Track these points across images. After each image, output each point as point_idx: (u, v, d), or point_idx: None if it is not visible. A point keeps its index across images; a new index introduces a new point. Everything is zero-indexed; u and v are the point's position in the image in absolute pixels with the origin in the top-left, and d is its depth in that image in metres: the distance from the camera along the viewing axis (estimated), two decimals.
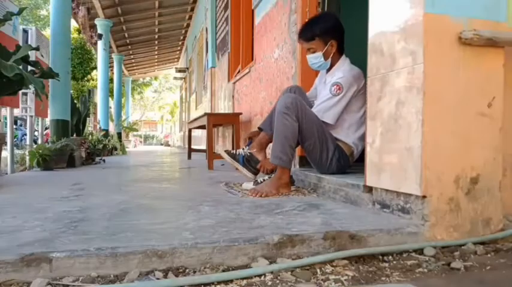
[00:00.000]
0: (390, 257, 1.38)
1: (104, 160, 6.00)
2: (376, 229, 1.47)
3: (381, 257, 1.37)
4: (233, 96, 5.94)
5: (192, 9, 11.69)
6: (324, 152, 2.49)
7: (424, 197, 1.51)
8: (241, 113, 4.81)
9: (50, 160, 4.30)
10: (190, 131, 6.76)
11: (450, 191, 1.54)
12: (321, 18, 2.61)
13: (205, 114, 4.77)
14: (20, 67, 3.06)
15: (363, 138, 2.45)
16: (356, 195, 1.96)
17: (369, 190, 1.86)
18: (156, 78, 29.70)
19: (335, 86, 2.48)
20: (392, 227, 1.49)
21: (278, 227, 1.49)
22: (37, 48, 3.78)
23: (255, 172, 2.78)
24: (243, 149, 2.81)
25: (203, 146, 7.19)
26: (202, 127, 5.39)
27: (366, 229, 1.46)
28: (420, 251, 1.42)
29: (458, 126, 1.56)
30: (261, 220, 1.63)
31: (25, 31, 5.15)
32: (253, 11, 4.67)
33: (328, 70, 2.66)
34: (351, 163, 2.59)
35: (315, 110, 2.51)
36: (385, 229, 1.47)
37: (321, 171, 2.55)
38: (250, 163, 2.77)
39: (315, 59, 2.60)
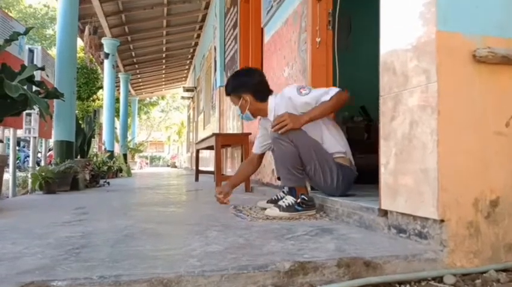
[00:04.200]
0: (408, 285, 1.30)
1: (108, 183, 5.94)
2: (392, 255, 1.39)
3: (397, 285, 1.30)
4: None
5: (201, 28, 11.77)
6: (327, 174, 2.46)
7: (442, 221, 1.44)
8: (250, 133, 4.75)
9: (52, 183, 4.24)
10: (198, 152, 6.73)
11: (469, 215, 1.47)
12: (234, 76, 2.85)
13: (214, 134, 4.73)
14: (25, 87, 3.04)
15: (346, 142, 2.61)
16: (371, 219, 1.88)
17: (384, 213, 1.78)
18: (163, 97, 29.84)
19: (301, 90, 2.51)
20: (409, 253, 1.42)
21: (289, 253, 1.42)
22: (42, 68, 3.78)
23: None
24: (283, 192, 2.66)
25: (211, 168, 7.14)
26: (210, 148, 5.35)
27: (381, 255, 1.39)
28: (439, 279, 1.35)
29: (475, 147, 1.50)
30: (272, 245, 1.56)
31: (31, 50, 5.14)
32: (262, 29, 4.66)
33: (264, 114, 2.77)
34: (355, 174, 2.57)
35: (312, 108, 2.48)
36: (402, 255, 1.40)
37: (330, 194, 2.50)
38: (308, 204, 2.44)
39: (238, 111, 2.85)
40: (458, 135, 1.49)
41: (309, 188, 2.65)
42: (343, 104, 2.46)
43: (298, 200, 2.39)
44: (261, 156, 2.97)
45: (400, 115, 1.66)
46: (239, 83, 2.77)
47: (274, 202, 2.53)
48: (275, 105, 2.66)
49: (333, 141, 2.56)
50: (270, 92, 2.76)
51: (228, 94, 2.85)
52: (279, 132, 2.39)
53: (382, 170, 1.77)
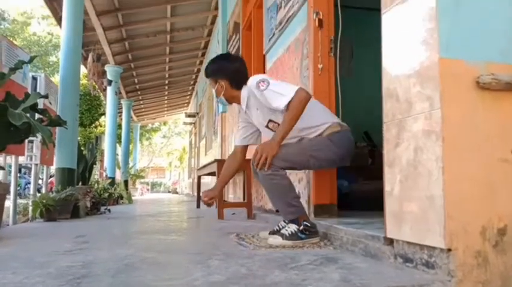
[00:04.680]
0: None
1: (109, 210, 5.89)
2: (399, 286, 1.36)
3: None
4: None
5: (203, 55, 11.90)
6: (325, 156, 2.51)
7: (449, 250, 1.41)
8: None
9: (53, 211, 4.20)
10: (199, 178, 6.69)
11: (477, 244, 1.44)
12: (214, 59, 2.85)
13: (215, 160, 4.71)
14: (28, 115, 3.05)
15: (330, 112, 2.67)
16: (376, 248, 1.84)
17: (390, 242, 1.75)
18: (165, 123, 29.97)
19: (260, 84, 2.48)
20: (416, 283, 1.38)
21: (293, 284, 1.39)
22: (46, 96, 3.80)
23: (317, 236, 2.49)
24: (284, 221, 2.56)
25: None
26: (212, 174, 5.32)
27: (388, 285, 1.36)
28: None
29: (481, 174, 1.49)
30: (275, 276, 1.52)
31: (34, 78, 5.17)
32: (264, 55, 4.71)
33: (238, 102, 2.78)
34: (348, 130, 2.62)
35: (273, 106, 2.45)
36: (409, 286, 1.36)
37: (340, 167, 2.70)
38: (311, 230, 2.39)
39: (213, 93, 2.87)
40: (464, 162, 1.47)
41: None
42: (305, 104, 2.40)
43: (301, 227, 2.35)
44: (245, 149, 2.90)
45: (404, 142, 1.65)
46: (217, 67, 2.76)
47: (277, 233, 2.49)
48: (246, 94, 2.66)
49: (316, 113, 2.56)
50: (247, 80, 2.71)
51: (206, 76, 2.85)
52: (265, 168, 2.36)
53: (387, 197, 1.75)
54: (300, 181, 3.19)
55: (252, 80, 2.57)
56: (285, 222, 2.51)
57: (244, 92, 2.70)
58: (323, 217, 2.85)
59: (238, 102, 2.76)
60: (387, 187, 1.75)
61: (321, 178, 2.95)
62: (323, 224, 2.49)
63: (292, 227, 2.36)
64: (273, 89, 2.44)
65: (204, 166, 5.90)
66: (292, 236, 2.32)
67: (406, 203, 1.62)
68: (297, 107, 2.36)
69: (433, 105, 1.50)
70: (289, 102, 2.36)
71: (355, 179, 3.84)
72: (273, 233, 2.51)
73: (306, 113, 2.43)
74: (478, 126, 1.51)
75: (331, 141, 2.50)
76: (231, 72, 2.72)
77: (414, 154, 1.58)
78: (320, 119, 2.56)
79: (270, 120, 2.59)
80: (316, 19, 3.09)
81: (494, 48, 1.56)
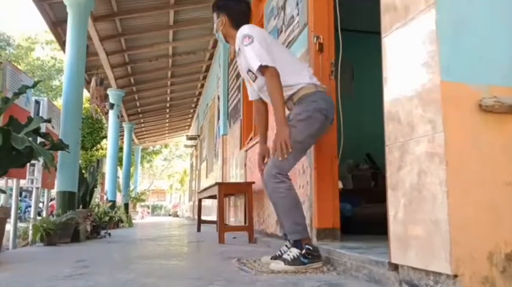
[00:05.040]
0: None
1: (109, 234, 5.83)
2: None
3: None
4: (245, 165, 5.88)
5: (204, 78, 11.98)
6: (313, 123, 2.48)
7: (455, 276, 1.38)
8: (253, 182, 4.70)
9: (53, 235, 4.16)
10: (200, 201, 6.65)
11: (484, 270, 1.41)
12: None
13: (216, 184, 4.69)
14: (30, 139, 3.06)
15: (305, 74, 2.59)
16: (381, 273, 1.81)
17: (395, 267, 1.72)
18: (166, 146, 30.00)
19: (244, 39, 2.53)
20: None
21: None
22: (49, 121, 3.81)
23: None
24: (286, 246, 2.52)
25: (214, 217, 7.04)
26: (213, 197, 5.28)
27: None
28: None
29: (486, 198, 1.47)
30: None
31: (37, 102, 5.19)
32: None
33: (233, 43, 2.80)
34: (324, 89, 2.60)
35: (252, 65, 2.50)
36: None
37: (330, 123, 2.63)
38: (313, 254, 2.35)
39: (214, 27, 2.92)
40: (468, 186, 1.46)
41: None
42: (277, 80, 2.44)
43: (303, 251, 2.31)
44: (260, 100, 2.89)
45: (407, 165, 1.64)
46: (224, 3, 2.83)
47: (279, 258, 2.45)
48: (239, 33, 2.66)
49: (291, 72, 2.55)
50: (244, 22, 2.75)
51: (212, 10, 2.88)
52: (285, 153, 2.36)
53: (391, 221, 1.73)
54: (302, 204, 3.16)
55: (242, 30, 2.61)
56: (287, 247, 2.48)
57: (238, 33, 2.71)
58: (326, 241, 2.82)
59: (233, 44, 2.79)
60: (391, 211, 1.73)
61: (324, 201, 2.93)
62: (326, 249, 2.45)
63: (294, 252, 2.32)
64: (253, 49, 2.49)
65: (205, 189, 5.87)
66: (295, 261, 2.27)
67: (411, 228, 1.60)
68: (272, 91, 2.44)
69: (435, 129, 1.50)
70: (262, 67, 2.43)
71: (358, 202, 3.81)
72: (275, 258, 2.47)
73: (282, 71, 2.48)
74: (482, 149, 1.50)
75: (311, 107, 2.48)
76: (235, 11, 2.79)
77: (418, 177, 1.57)
78: (293, 79, 2.55)
79: (249, 70, 2.63)
80: (317, 43, 3.12)
81: (496, 71, 1.57)
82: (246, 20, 2.78)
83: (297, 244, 2.38)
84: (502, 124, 1.53)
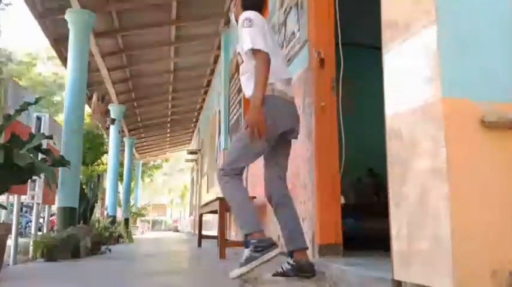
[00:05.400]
0: None
1: (109, 250, 5.79)
2: None
3: None
4: (246, 179, 5.87)
5: (206, 93, 12.03)
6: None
7: None
8: (255, 197, 4.69)
9: (54, 251, 4.14)
10: (201, 216, 6.61)
11: None
12: None
13: (217, 199, 4.67)
14: (32, 155, 3.05)
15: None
16: None
17: (398, 284, 1.70)
18: (167, 160, 29.97)
19: (244, 21, 2.53)
20: None
21: None
22: (50, 137, 3.81)
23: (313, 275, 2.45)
24: (288, 262, 2.49)
25: (214, 232, 6.99)
26: (214, 212, 5.26)
27: None
28: None
29: (489, 215, 1.46)
30: None
31: (38, 118, 5.21)
32: None
33: None
34: (277, 97, 2.53)
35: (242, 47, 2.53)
36: None
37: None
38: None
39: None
40: (471, 203, 1.45)
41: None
42: (266, 69, 2.43)
43: (251, 247, 2.28)
44: None
45: (410, 181, 1.63)
46: None
47: (280, 274, 2.43)
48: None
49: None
50: (255, 8, 2.72)
51: None
52: (257, 136, 2.37)
53: (393, 238, 1.72)
54: (304, 219, 3.14)
55: (245, 13, 2.61)
56: (288, 263, 2.45)
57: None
58: (328, 257, 2.80)
59: None
60: (394, 227, 1.72)
61: (326, 216, 2.91)
62: (329, 266, 2.43)
63: (246, 252, 2.30)
64: (249, 32, 2.48)
65: (206, 204, 5.84)
66: (248, 260, 2.26)
67: (414, 244, 1.59)
68: (259, 73, 2.42)
69: (438, 145, 1.49)
70: (255, 51, 2.44)
71: (361, 217, 3.79)
72: (276, 275, 2.45)
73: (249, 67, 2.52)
74: (485, 166, 1.49)
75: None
76: None
77: (420, 193, 1.56)
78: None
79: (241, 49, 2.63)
80: (318, 58, 3.13)
81: (499, 87, 1.56)
82: (257, 4, 2.77)
83: (247, 244, 2.35)
84: (505, 140, 1.52)
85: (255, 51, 2.44)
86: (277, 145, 2.60)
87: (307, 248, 2.51)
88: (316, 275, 2.44)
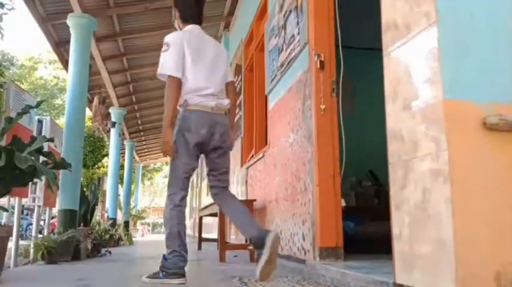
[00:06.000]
0: None
1: (109, 252, 5.79)
2: None
3: None
4: (246, 182, 5.87)
5: None
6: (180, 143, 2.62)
7: None
8: (255, 200, 4.69)
9: (54, 253, 4.14)
10: (201, 218, 6.60)
11: None
12: None
13: None
14: (33, 158, 3.06)
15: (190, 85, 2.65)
16: None
17: None
18: (167, 163, 29.94)
19: (164, 46, 2.67)
20: None
21: None
22: (51, 140, 3.81)
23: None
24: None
25: (214, 234, 6.98)
26: (214, 215, 5.25)
27: None
28: None
29: (492, 216, 1.46)
30: None
31: (40, 121, 5.22)
32: (266, 96, 4.76)
33: None
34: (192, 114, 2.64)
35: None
36: None
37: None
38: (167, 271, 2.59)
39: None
40: (474, 205, 1.45)
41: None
42: (174, 93, 2.58)
43: (160, 265, 2.57)
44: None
45: (411, 183, 1.63)
46: None
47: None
48: None
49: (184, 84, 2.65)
50: (192, 19, 2.83)
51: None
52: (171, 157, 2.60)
53: (395, 241, 1.72)
54: (304, 222, 3.14)
55: (165, 38, 2.69)
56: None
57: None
58: (329, 260, 2.78)
59: None
60: (395, 230, 1.72)
61: (327, 219, 2.90)
62: (329, 269, 2.43)
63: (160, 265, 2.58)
64: (164, 56, 2.63)
65: (206, 207, 5.84)
66: (154, 275, 2.57)
67: (415, 247, 1.58)
68: (166, 97, 2.59)
69: (439, 147, 1.50)
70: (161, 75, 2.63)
71: (362, 220, 3.78)
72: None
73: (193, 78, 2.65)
74: (487, 167, 1.49)
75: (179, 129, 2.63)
76: (181, 6, 2.86)
77: (422, 196, 1.56)
78: (182, 91, 2.65)
79: None
80: (318, 61, 3.13)
81: (500, 88, 1.57)
82: (192, 11, 2.85)
83: (164, 257, 2.60)
84: (507, 142, 1.52)
85: (164, 76, 2.61)
86: (210, 155, 2.83)
87: None
88: (316, 278, 2.45)
